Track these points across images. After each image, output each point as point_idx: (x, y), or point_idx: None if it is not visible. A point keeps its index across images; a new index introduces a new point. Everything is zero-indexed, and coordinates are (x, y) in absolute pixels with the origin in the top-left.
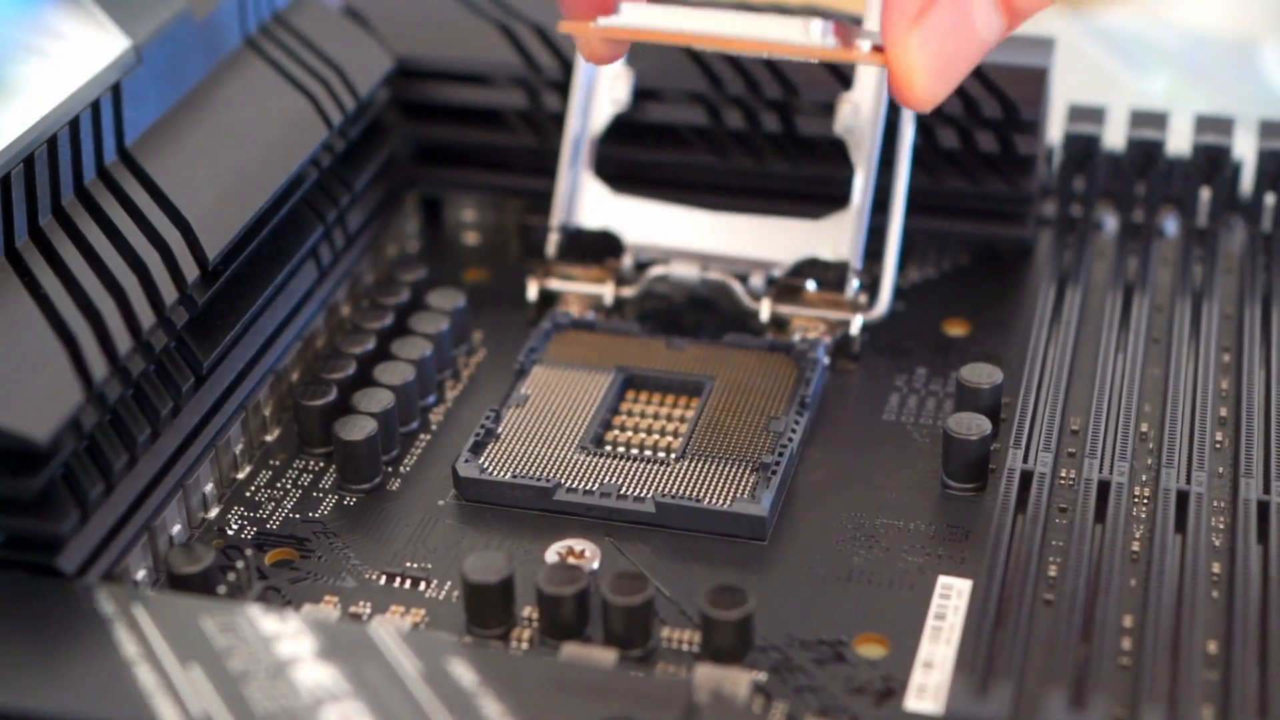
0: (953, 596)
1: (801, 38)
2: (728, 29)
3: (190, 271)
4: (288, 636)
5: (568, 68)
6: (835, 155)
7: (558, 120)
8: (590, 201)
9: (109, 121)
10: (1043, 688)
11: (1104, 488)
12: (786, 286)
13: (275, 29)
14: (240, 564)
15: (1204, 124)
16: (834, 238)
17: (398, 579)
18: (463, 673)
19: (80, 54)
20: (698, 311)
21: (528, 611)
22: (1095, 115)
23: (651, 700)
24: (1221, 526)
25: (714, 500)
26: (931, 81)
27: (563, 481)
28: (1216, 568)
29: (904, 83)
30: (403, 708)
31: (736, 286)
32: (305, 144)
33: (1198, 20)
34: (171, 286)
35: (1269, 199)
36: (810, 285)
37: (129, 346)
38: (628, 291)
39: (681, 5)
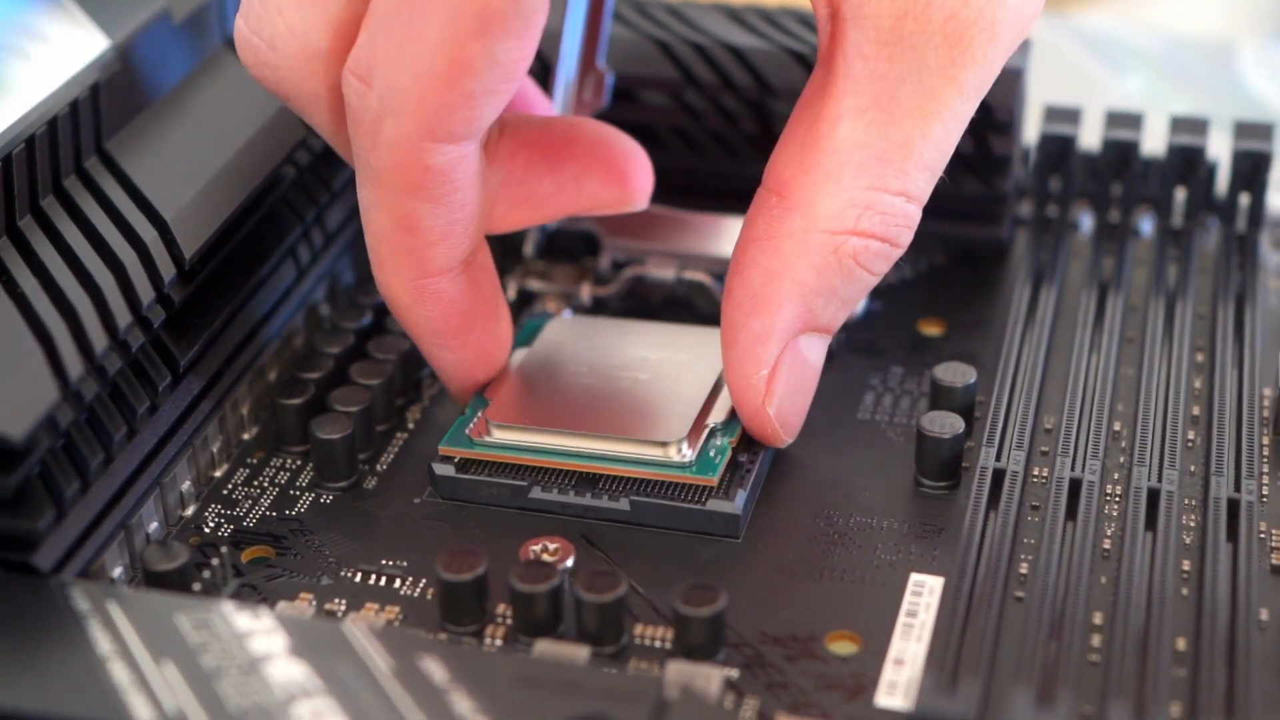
0: (924, 593)
1: (661, 456)
2: (602, 449)
3: (167, 270)
4: (261, 633)
5: (546, 68)
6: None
7: None
8: None
9: (88, 121)
10: (1011, 685)
11: (1075, 486)
12: None
13: None
14: (216, 561)
15: (1179, 125)
16: None
17: (373, 576)
18: (434, 669)
19: (59, 54)
20: (674, 311)
21: (501, 609)
22: (1071, 116)
23: (622, 697)
24: (1192, 524)
25: (688, 498)
26: (794, 428)
27: (538, 480)
28: (1187, 565)
29: (773, 440)
30: (374, 704)
31: (713, 286)
32: (283, 143)
33: (1176, 22)
34: (148, 285)
35: (1244, 199)
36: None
37: (105, 345)
38: (605, 291)
39: (550, 430)
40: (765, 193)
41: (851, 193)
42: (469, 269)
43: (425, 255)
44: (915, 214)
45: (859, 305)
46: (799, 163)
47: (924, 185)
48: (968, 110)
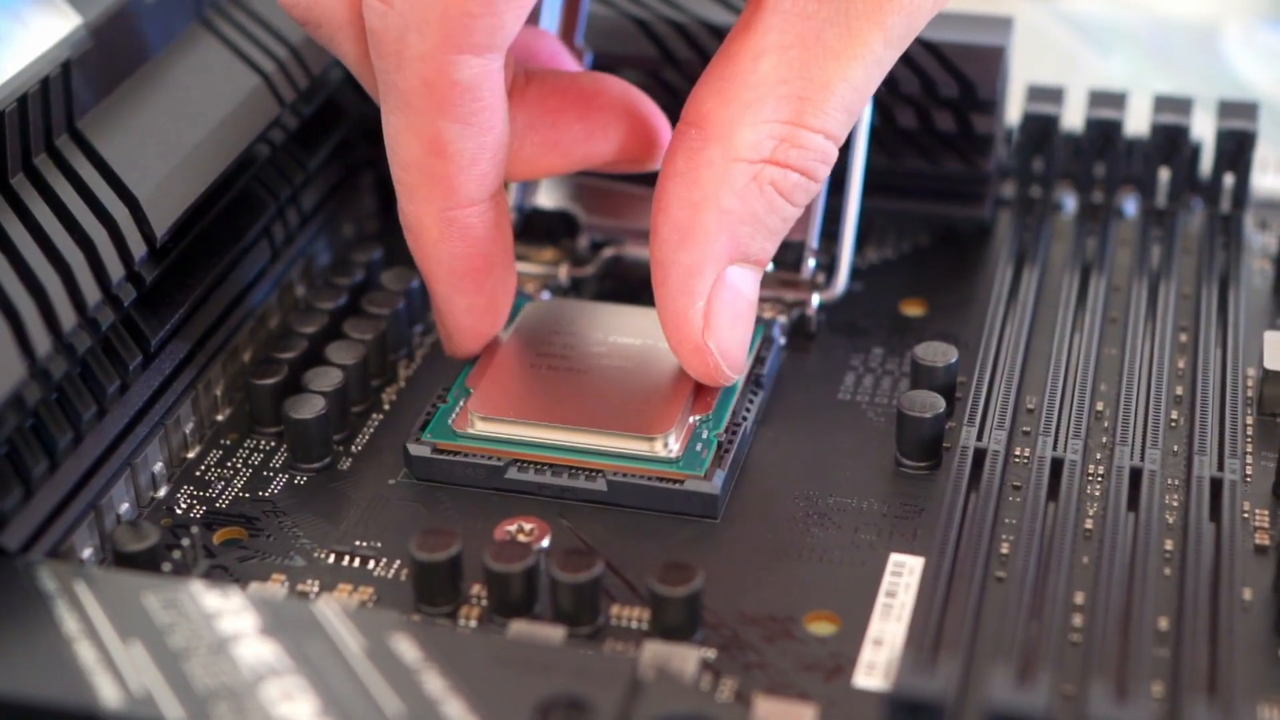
0: (904, 574)
1: (647, 451)
2: (587, 443)
3: (138, 248)
4: (230, 613)
5: None
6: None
7: None
8: (546, 182)
9: (59, 99)
10: (991, 664)
11: (1057, 465)
12: None
13: (229, 7)
14: (186, 542)
15: (1162, 104)
16: None
17: (347, 558)
18: (406, 649)
19: (31, 31)
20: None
21: (476, 589)
22: (1054, 95)
23: (596, 677)
24: (1175, 504)
25: (666, 478)
26: (737, 363)
27: (514, 460)
28: (1169, 545)
29: (715, 377)
30: (344, 683)
31: None
32: (257, 122)
33: (1161, 4)
34: (119, 263)
35: (1228, 179)
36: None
37: (74, 323)
38: (583, 271)
39: (534, 424)
40: (684, 126)
41: (770, 125)
42: (495, 206)
43: (456, 182)
44: (833, 152)
45: (839, 285)
46: (719, 95)
47: (842, 125)
48: (890, 57)
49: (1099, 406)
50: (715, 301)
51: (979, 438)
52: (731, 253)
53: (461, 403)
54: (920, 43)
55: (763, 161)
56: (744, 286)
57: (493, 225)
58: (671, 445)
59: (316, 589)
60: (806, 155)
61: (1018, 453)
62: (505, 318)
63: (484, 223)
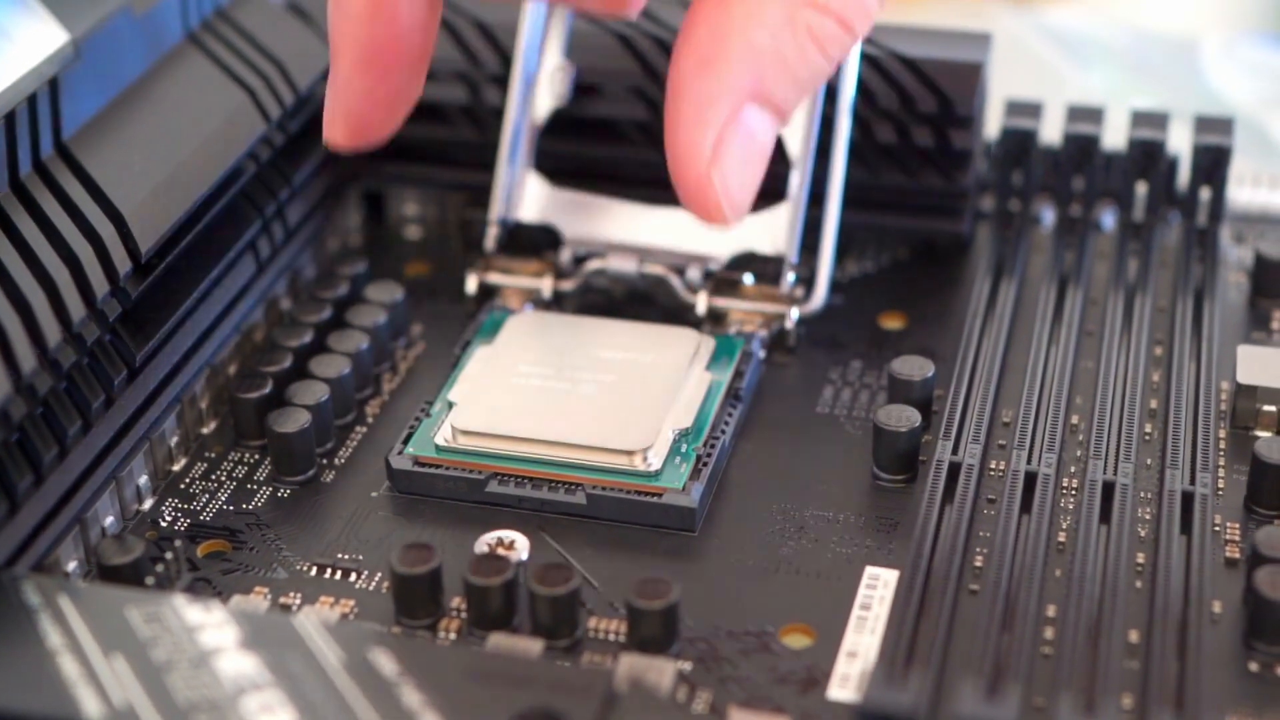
0: (879, 587)
1: (627, 465)
2: (567, 457)
3: (123, 264)
4: (212, 627)
5: (507, 62)
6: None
7: (498, 114)
8: (529, 195)
9: (46, 115)
10: (961, 677)
11: (1031, 479)
12: (723, 280)
13: (217, 24)
14: (170, 555)
15: (1140, 119)
16: (770, 232)
17: (329, 570)
18: (385, 662)
19: (18, 47)
20: (636, 305)
21: (456, 602)
22: (1032, 110)
23: (572, 690)
24: (1147, 517)
25: (645, 492)
26: (739, 206)
27: (495, 474)
28: (1141, 558)
29: (714, 215)
30: (323, 697)
31: (674, 280)
32: (243, 137)
33: (1141, 17)
34: (103, 279)
35: (1204, 193)
36: (747, 279)
37: (59, 338)
38: (566, 285)
39: (516, 438)
40: None
41: None
42: (428, 5)
43: None
44: (873, 5)
45: (818, 299)
46: None
47: None
48: None
49: (1074, 420)
50: (727, 136)
51: (954, 451)
52: (752, 88)
53: (444, 416)
54: (899, 59)
55: (801, 2)
56: (759, 130)
57: (421, 23)
58: (650, 459)
59: (299, 601)
60: (846, 1)
61: (992, 466)
62: (399, 120)
63: (412, 13)
